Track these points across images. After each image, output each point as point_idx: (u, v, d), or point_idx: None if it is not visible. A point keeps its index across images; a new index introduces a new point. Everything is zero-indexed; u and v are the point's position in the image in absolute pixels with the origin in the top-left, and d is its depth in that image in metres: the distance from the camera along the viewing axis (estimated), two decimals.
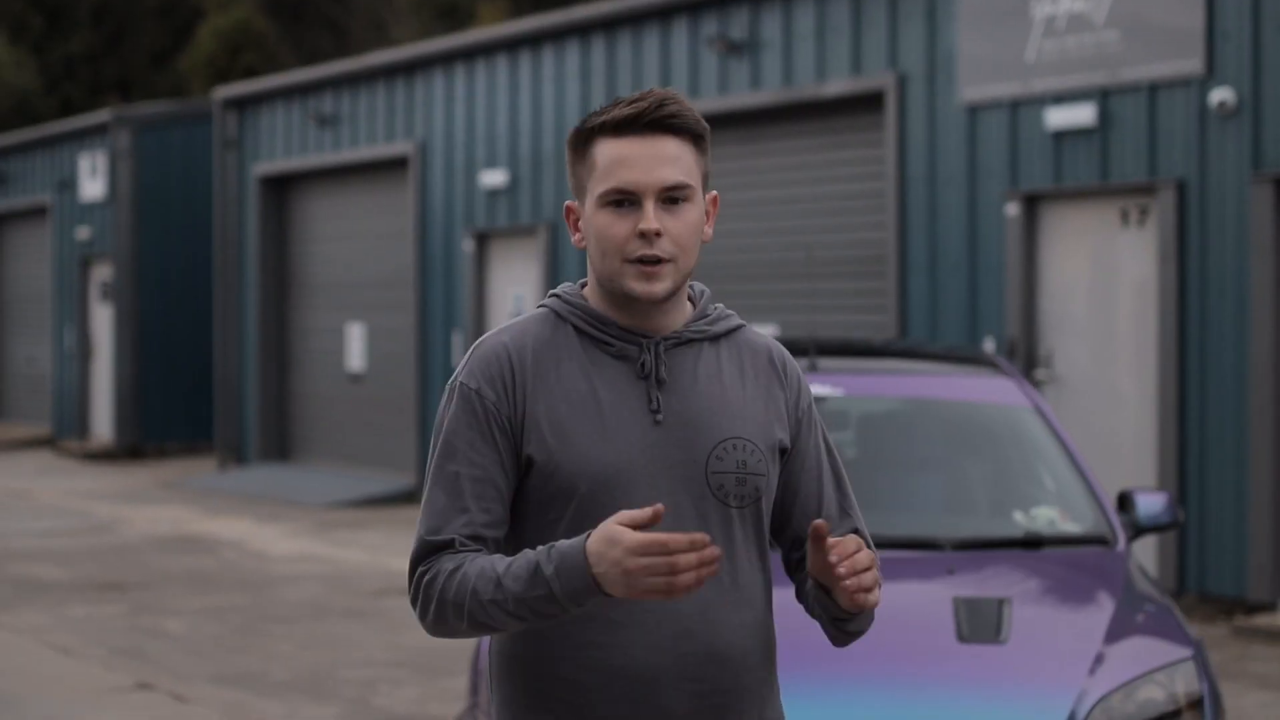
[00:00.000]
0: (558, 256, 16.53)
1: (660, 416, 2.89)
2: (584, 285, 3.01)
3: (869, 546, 3.02)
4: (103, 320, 24.73)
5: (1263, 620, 10.70)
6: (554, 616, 2.74)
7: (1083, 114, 11.87)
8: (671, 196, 2.87)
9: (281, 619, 11.38)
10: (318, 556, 14.36)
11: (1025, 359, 12.30)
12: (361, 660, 10.03)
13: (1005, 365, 6.92)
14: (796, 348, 6.99)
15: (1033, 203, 12.36)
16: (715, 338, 2.99)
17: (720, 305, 3.04)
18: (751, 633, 2.93)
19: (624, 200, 2.87)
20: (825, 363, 6.68)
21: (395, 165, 19.10)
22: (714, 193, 2.99)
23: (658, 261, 2.86)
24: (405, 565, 13.98)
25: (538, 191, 16.83)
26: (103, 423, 24.72)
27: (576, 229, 2.97)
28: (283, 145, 20.88)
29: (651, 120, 2.87)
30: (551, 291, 3.01)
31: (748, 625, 2.92)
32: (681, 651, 2.86)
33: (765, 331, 13.57)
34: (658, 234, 2.84)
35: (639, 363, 2.91)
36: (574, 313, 2.95)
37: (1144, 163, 11.61)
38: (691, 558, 2.62)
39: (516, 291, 17.38)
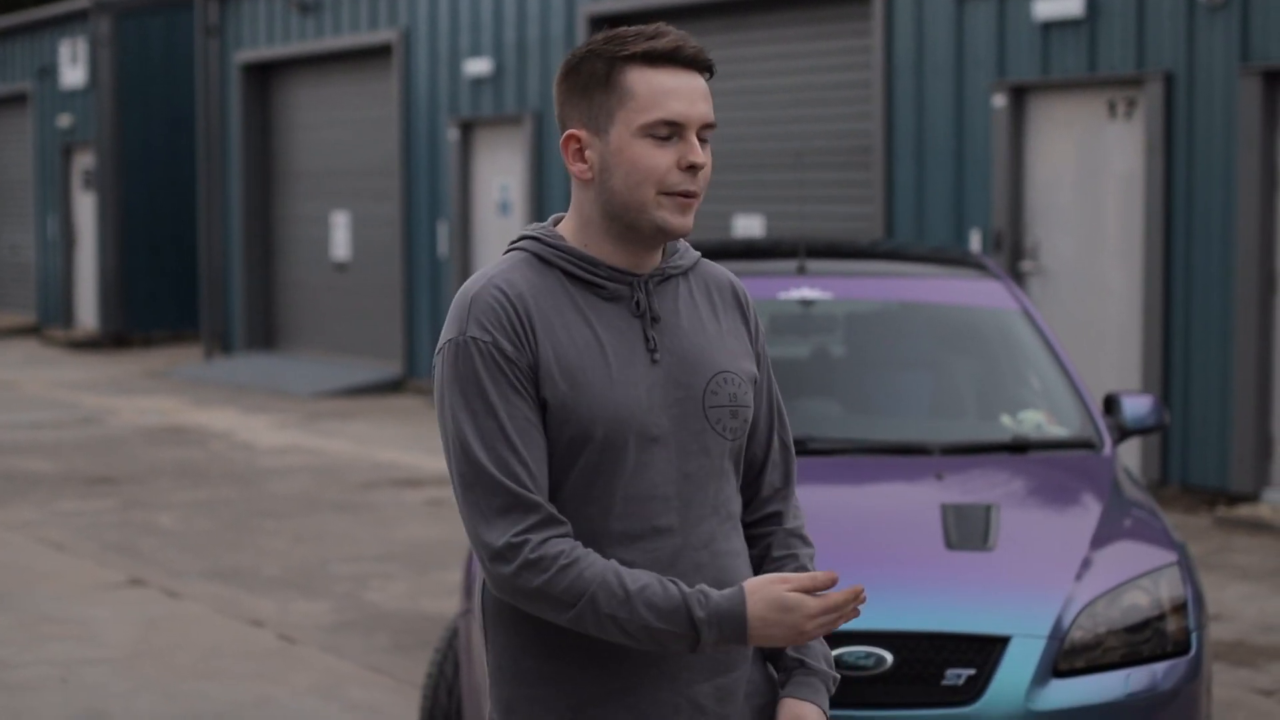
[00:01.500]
0: (542, 146, 16.47)
1: (658, 355, 2.89)
2: (555, 223, 2.97)
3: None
4: (86, 208, 24.64)
5: (1245, 511, 10.81)
6: (667, 648, 2.79)
7: (1071, 5, 11.81)
8: (704, 136, 2.88)
9: (271, 513, 11.45)
10: (306, 448, 14.42)
11: (1011, 251, 12.32)
12: (352, 555, 10.11)
13: (993, 267, 6.94)
14: (786, 249, 7.01)
15: (1020, 94, 12.33)
16: (685, 272, 3.00)
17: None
18: (745, 559, 2.97)
19: (670, 133, 2.84)
20: (814, 265, 6.69)
21: (379, 53, 18.97)
22: None
23: (692, 195, 2.87)
24: (394, 458, 14.01)
25: (522, 80, 16.74)
26: (88, 311, 24.70)
27: (582, 159, 2.89)
28: (265, 33, 20.72)
29: (687, 57, 2.86)
30: (525, 233, 2.96)
31: (739, 553, 2.96)
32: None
33: (752, 224, 13.46)
34: (700, 167, 2.84)
35: (633, 301, 2.90)
36: (560, 255, 2.90)
37: (1132, 54, 11.58)
38: (854, 610, 2.78)
39: (502, 181, 17.34)
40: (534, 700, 2.88)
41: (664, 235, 2.87)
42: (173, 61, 23.40)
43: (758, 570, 3.01)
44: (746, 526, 3.05)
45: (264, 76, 21.23)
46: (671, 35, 2.86)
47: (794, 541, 3.04)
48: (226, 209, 21.53)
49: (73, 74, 24.27)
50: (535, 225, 2.97)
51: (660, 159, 2.84)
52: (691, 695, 2.88)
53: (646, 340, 2.90)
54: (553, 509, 2.81)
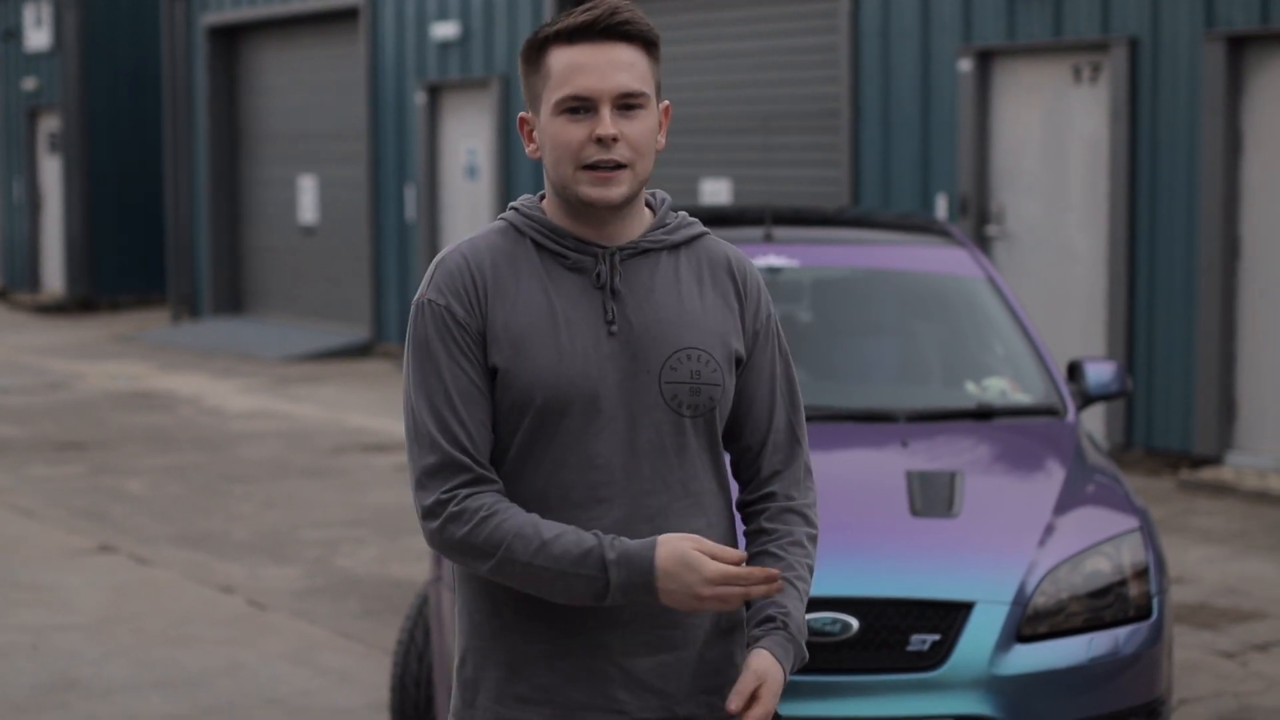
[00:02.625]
0: (510, 110, 16.45)
1: (615, 327, 2.93)
2: (543, 198, 3.04)
3: (803, 476, 3.07)
4: (52, 172, 24.53)
5: (1208, 474, 10.90)
6: (582, 598, 2.83)
7: None
8: (627, 104, 2.90)
9: (241, 478, 11.47)
10: (275, 413, 14.43)
11: (977, 215, 12.38)
12: (322, 520, 10.14)
13: (958, 235, 6.99)
14: (752, 216, 7.05)
15: (986, 58, 12.37)
16: (674, 246, 3.01)
17: (682, 213, 3.07)
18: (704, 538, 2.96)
19: (580, 107, 2.90)
20: (780, 233, 6.73)
21: (346, 16, 18.92)
22: (666, 103, 3.02)
23: (615, 167, 2.89)
24: (362, 423, 14.00)
25: (490, 44, 16.72)
26: (54, 275, 24.61)
27: (531, 140, 3.00)
28: None
29: (606, 27, 2.89)
30: (511, 204, 3.04)
31: (699, 531, 2.96)
32: None
33: (719, 187, 13.46)
34: (614, 139, 2.88)
35: (594, 273, 2.95)
36: (531, 225, 2.98)
37: (1097, 19, 11.62)
38: (761, 589, 2.79)
39: (469, 145, 17.33)
40: (480, 652, 2.99)
41: (589, 208, 2.93)
42: (138, 24, 23.28)
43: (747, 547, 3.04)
44: (745, 505, 3.08)
45: (230, 39, 21.15)
46: (595, 10, 2.89)
47: (789, 517, 3.03)
48: (193, 172, 21.46)
49: (37, 36, 24.13)
50: (521, 197, 3.05)
51: (574, 134, 2.90)
52: (628, 667, 2.93)
53: (605, 312, 2.94)
54: (486, 470, 2.91)
